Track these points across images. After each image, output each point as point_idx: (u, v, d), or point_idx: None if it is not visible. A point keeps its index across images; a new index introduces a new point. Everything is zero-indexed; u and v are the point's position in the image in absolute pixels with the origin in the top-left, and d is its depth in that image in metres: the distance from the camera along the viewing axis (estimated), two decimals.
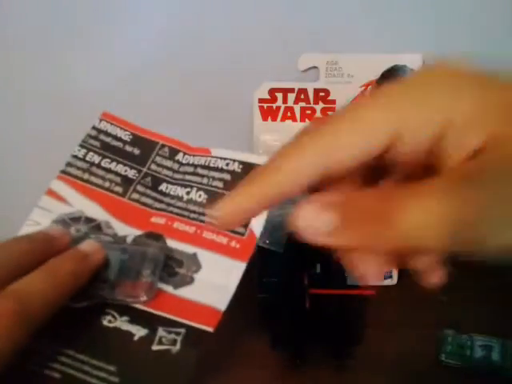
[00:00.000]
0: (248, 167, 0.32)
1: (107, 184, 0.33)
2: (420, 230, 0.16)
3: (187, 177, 0.33)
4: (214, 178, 0.32)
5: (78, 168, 0.33)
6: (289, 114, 0.46)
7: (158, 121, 0.48)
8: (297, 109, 0.46)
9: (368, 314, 0.43)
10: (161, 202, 0.32)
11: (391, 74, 0.45)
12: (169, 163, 0.34)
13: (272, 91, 0.46)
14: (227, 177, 0.32)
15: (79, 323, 0.27)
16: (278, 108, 0.46)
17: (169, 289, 0.28)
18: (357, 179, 0.20)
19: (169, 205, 0.32)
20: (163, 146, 0.35)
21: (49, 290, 0.24)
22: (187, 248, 0.30)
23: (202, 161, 0.34)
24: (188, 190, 0.32)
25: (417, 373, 0.39)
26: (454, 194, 0.16)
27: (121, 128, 0.35)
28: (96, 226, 0.31)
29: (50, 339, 0.26)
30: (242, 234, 0.29)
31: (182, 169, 0.34)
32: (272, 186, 0.18)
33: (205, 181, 0.32)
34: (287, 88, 0.45)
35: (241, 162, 0.32)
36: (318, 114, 0.46)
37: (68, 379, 0.25)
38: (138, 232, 0.31)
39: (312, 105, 0.46)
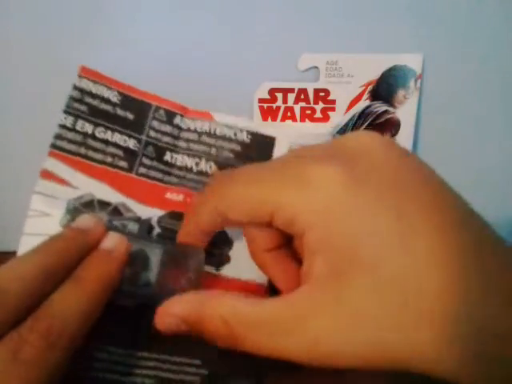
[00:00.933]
0: (257, 138, 0.31)
1: (109, 159, 0.30)
2: None
3: (192, 145, 0.31)
4: (223, 149, 0.31)
5: (71, 141, 0.30)
6: (289, 114, 0.46)
7: None
8: (297, 109, 0.46)
9: None
10: (170, 174, 0.30)
11: (391, 74, 0.45)
12: (168, 128, 0.32)
13: (272, 91, 0.46)
14: (237, 148, 0.31)
15: (135, 323, 0.27)
16: (278, 108, 0.46)
17: (212, 270, 0.29)
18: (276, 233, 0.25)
19: (179, 177, 0.30)
20: (158, 108, 0.32)
21: (82, 302, 0.23)
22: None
23: (205, 127, 0.32)
24: (197, 160, 0.31)
25: (417, 373, 0.39)
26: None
27: (107, 87, 0.32)
28: (114, 210, 0.28)
29: (119, 345, 0.26)
30: None
31: (183, 135, 0.32)
32: (195, 227, 0.27)
33: (213, 151, 0.31)
34: (287, 88, 0.45)
35: (249, 132, 0.31)
36: (318, 114, 0.46)
37: (161, 381, 0.25)
38: (160, 212, 0.29)
39: (312, 105, 0.46)
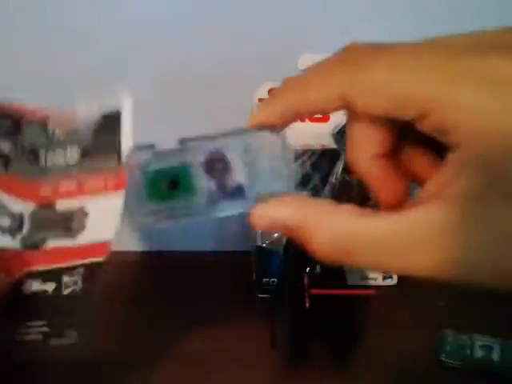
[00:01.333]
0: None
1: None
2: None
3: (62, 142, 0.32)
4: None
5: None
6: None
7: (157, 120, 0.49)
8: None
9: (368, 314, 0.43)
10: (44, 172, 0.32)
11: None
12: (43, 136, 0.33)
13: (272, 91, 0.46)
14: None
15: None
16: None
17: (67, 243, 0.30)
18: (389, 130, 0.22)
19: (51, 171, 0.32)
20: (31, 121, 0.33)
21: None
22: (74, 203, 0.30)
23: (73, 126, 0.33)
24: (65, 151, 0.32)
25: (417, 373, 0.39)
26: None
27: None
28: None
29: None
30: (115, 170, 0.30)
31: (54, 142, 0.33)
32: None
33: (79, 140, 0.31)
34: None
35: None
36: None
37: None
38: (31, 206, 0.31)
39: None
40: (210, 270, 0.48)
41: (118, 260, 0.37)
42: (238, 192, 0.24)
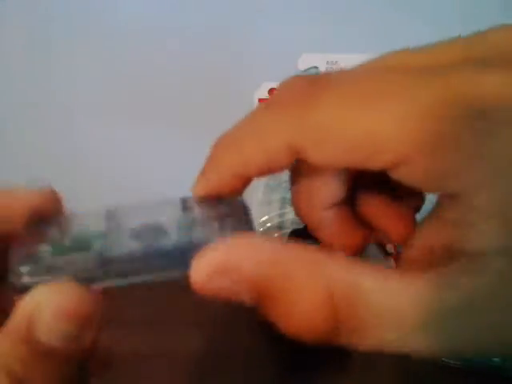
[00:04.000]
0: None
1: None
2: None
3: None
4: None
5: None
6: None
7: (157, 121, 0.49)
8: None
9: None
10: None
11: None
12: None
13: (272, 91, 0.46)
14: None
15: None
16: None
17: None
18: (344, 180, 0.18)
19: None
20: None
21: None
22: None
23: None
24: None
25: (417, 373, 0.39)
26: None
27: None
28: None
29: None
30: None
31: None
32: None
33: None
34: None
35: None
36: None
37: None
38: None
39: None
40: None
41: None
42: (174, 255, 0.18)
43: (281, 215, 0.41)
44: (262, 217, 0.41)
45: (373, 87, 0.14)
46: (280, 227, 0.40)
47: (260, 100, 0.46)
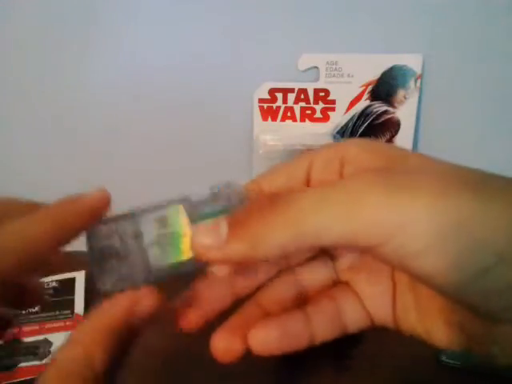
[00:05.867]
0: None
1: None
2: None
3: None
4: None
5: None
6: (289, 114, 0.46)
7: (156, 121, 0.49)
8: (297, 109, 0.46)
9: None
10: None
11: (391, 74, 0.45)
12: None
13: (272, 91, 0.46)
14: None
15: None
16: (278, 108, 0.46)
17: (36, 363, 0.39)
18: None
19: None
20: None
21: None
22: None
23: None
24: None
25: (417, 373, 0.39)
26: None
27: None
28: None
29: None
30: None
31: None
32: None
33: None
34: (287, 88, 0.45)
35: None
36: (318, 114, 0.46)
37: None
38: None
39: (312, 105, 0.46)
40: None
41: None
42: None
43: None
44: None
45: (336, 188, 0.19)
46: None
47: (260, 100, 0.46)
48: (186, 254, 0.22)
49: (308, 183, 0.23)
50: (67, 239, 0.21)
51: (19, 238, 0.20)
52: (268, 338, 0.21)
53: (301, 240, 0.18)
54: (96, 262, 0.22)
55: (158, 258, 0.22)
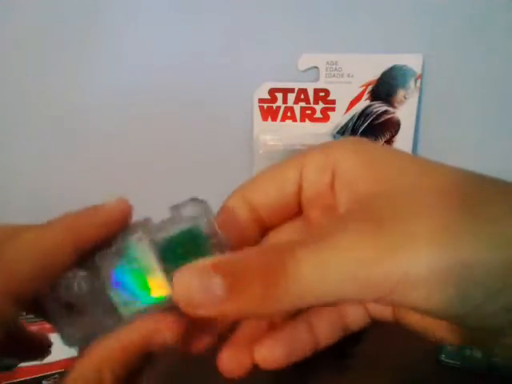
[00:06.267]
0: None
1: None
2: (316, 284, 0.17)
3: None
4: None
5: None
6: (289, 114, 0.46)
7: (156, 121, 0.49)
8: (297, 109, 0.46)
9: None
10: None
11: (391, 74, 0.45)
12: None
13: (272, 91, 0.46)
14: None
15: None
16: (278, 108, 0.46)
17: (36, 363, 0.36)
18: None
19: None
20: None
21: None
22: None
23: None
24: None
25: (417, 373, 0.39)
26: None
27: None
28: None
29: None
30: None
31: None
32: None
33: None
34: (287, 88, 0.45)
35: None
36: (318, 114, 0.46)
37: None
38: None
39: (312, 105, 0.46)
40: None
41: None
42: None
43: None
44: None
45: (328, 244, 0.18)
46: None
47: (260, 100, 0.46)
48: (156, 292, 0.20)
49: (299, 195, 0.23)
50: (85, 250, 0.20)
51: (35, 248, 0.19)
52: (275, 355, 0.21)
53: (305, 305, 0.18)
54: (58, 316, 0.21)
55: (126, 301, 0.20)
